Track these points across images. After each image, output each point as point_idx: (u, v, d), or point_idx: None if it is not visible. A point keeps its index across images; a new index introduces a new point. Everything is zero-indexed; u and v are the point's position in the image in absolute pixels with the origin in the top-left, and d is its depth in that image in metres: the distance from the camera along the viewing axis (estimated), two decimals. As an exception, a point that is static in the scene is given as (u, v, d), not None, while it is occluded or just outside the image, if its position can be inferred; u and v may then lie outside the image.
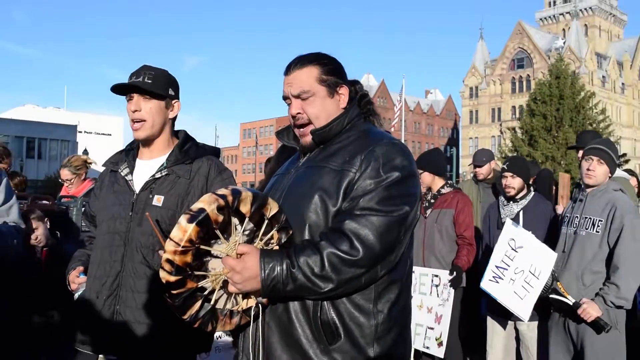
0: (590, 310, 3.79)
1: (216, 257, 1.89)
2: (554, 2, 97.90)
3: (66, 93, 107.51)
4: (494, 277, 4.13)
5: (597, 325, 3.81)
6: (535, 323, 4.54)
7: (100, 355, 2.82)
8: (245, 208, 1.85)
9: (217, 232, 1.83)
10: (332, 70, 2.19)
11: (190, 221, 1.77)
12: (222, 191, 1.84)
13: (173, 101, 2.89)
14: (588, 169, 4.08)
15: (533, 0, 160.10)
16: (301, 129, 2.20)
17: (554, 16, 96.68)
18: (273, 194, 2.14)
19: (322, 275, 1.88)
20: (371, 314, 2.00)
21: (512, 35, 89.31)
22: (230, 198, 1.82)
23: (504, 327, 4.72)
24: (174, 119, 2.94)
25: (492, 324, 4.79)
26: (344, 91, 2.21)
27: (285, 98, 2.22)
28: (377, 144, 2.06)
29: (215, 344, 4.13)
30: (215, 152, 3.05)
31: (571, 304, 3.88)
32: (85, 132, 64.79)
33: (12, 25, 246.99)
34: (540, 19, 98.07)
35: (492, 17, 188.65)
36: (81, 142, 53.08)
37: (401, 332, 2.10)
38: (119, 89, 2.80)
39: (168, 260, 1.79)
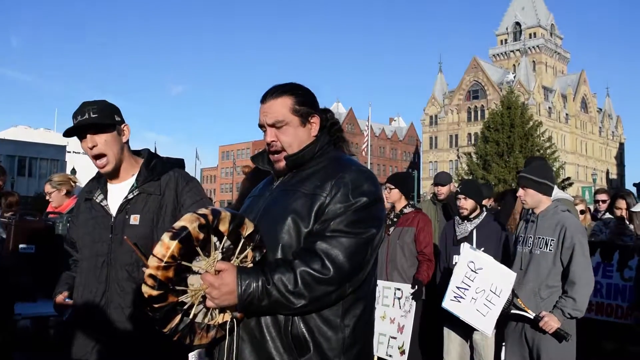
0: (551, 322, 3.83)
1: (195, 273, 1.86)
2: (506, 40, 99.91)
3: (56, 115, 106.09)
4: (455, 297, 4.13)
5: (559, 335, 3.85)
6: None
7: None
8: (224, 227, 1.83)
9: (198, 249, 1.81)
10: (304, 101, 2.17)
11: (172, 238, 1.74)
12: (202, 211, 1.81)
13: (122, 126, 2.80)
14: (519, 197, 4.24)
15: (487, 37, 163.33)
16: (275, 155, 2.18)
17: (505, 53, 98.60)
18: (249, 214, 2.10)
19: (295, 292, 1.86)
20: (338, 328, 1.99)
21: (468, 69, 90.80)
22: (210, 217, 1.79)
23: (459, 335, 4.72)
24: (127, 141, 2.85)
25: (447, 333, 4.78)
26: (315, 120, 2.19)
27: (261, 126, 2.19)
28: (347, 171, 2.05)
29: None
30: (179, 163, 2.97)
31: (532, 317, 3.90)
32: (73, 152, 63.74)
33: (8, 51, 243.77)
34: (493, 55, 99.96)
35: (450, 53, 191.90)
36: (70, 162, 52.31)
37: (365, 345, 2.10)
38: (71, 132, 2.70)
39: (151, 275, 1.76)
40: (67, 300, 2.79)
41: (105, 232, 2.72)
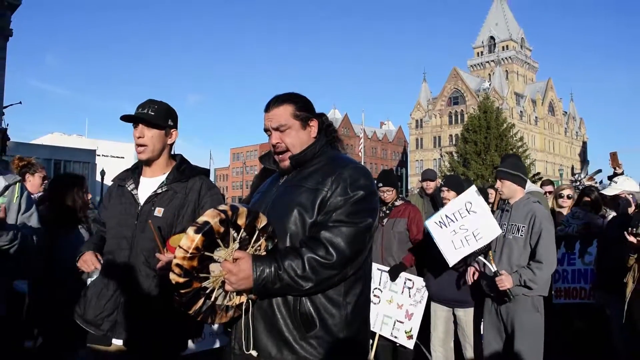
0: (505, 281, 3.83)
1: (216, 261, 1.89)
2: (482, 52, 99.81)
3: (87, 123, 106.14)
4: (440, 222, 4.06)
5: (505, 294, 3.86)
6: (471, 309, 4.54)
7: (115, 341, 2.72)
8: (241, 221, 1.86)
9: (218, 240, 1.84)
10: (303, 107, 2.21)
11: (197, 232, 1.77)
12: (222, 207, 1.85)
13: (172, 130, 2.86)
14: (496, 188, 4.25)
15: (465, 50, 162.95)
16: (280, 155, 2.21)
17: (481, 63, 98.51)
18: (258, 207, 2.12)
19: (304, 276, 1.90)
20: (341, 305, 2.02)
21: (448, 78, 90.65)
22: (230, 213, 1.83)
23: (444, 312, 4.71)
24: (172, 144, 2.91)
25: (434, 310, 4.77)
26: (314, 123, 2.23)
27: (266, 130, 2.23)
28: (345, 168, 2.08)
29: (205, 330, 4.03)
30: (205, 172, 3.02)
31: (493, 270, 3.90)
32: (102, 155, 63.76)
33: (45, 68, 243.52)
34: (471, 66, 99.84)
35: (433, 64, 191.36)
36: (99, 164, 52.20)
37: (364, 321, 2.14)
38: (126, 119, 2.78)
39: (178, 265, 1.79)
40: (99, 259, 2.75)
41: (132, 218, 2.73)
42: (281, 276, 1.89)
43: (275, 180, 2.30)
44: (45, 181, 5.28)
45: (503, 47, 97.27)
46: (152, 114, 2.74)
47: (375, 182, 5.28)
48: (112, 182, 3.02)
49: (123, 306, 2.65)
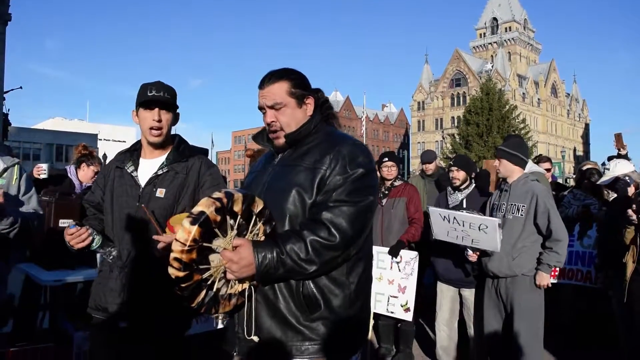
0: (544, 279, 3.93)
1: (215, 251, 1.83)
2: (484, 34, 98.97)
3: (88, 108, 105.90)
4: (445, 217, 4.06)
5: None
6: (474, 290, 4.57)
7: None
8: (237, 207, 1.79)
9: (216, 230, 1.77)
10: (299, 84, 2.11)
11: (193, 223, 1.70)
12: (217, 194, 1.77)
13: (176, 112, 2.85)
14: (497, 167, 4.23)
15: (467, 31, 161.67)
16: (274, 134, 2.13)
17: (484, 45, 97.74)
18: (254, 188, 2.08)
19: (307, 259, 1.84)
20: (345, 285, 1.98)
21: (451, 60, 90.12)
22: (225, 200, 1.76)
23: (451, 291, 4.73)
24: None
25: (440, 289, 4.78)
26: (310, 101, 2.14)
27: (260, 108, 2.14)
28: (343, 145, 2.00)
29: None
30: (204, 151, 3.00)
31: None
32: (104, 139, 63.68)
33: (45, 52, 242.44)
34: (473, 47, 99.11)
35: (435, 46, 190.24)
36: (101, 148, 52.20)
37: (366, 299, 2.11)
38: (146, 102, 2.69)
39: (176, 259, 1.71)
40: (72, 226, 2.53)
41: (133, 200, 2.71)
42: (284, 261, 1.82)
43: (270, 159, 2.20)
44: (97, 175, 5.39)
45: (506, 29, 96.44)
46: (168, 97, 2.71)
47: (380, 157, 5.31)
48: (107, 165, 2.97)
49: (127, 289, 2.65)
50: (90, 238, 2.54)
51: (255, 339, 1.94)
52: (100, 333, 2.75)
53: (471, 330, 4.62)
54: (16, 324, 4.74)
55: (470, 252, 4.12)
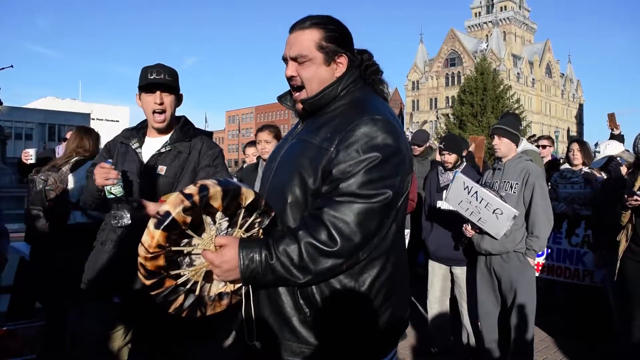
0: (531, 264, 4.04)
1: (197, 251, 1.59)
2: (479, 13, 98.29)
3: (81, 87, 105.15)
4: (469, 187, 3.93)
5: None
6: (466, 267, 4.59)
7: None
8: (216, 203, 1.51)
9: (188, 232, 1.52)
10: (334, 38, 1.73)
11: (157, 227, 1.45)
12: (189, 190, 1.49)
13: (179, 93, 2.86)
14: (494, 145, 4.18)
15: (462, 11, 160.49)
16: (297, 93, 1.79)
17: (479, 24, 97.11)
18: (268, 166, 1.82)
19: (300, 266, 1.52)
20: (352, 290, 1.63)
21: (445, 39, 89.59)
22: (196, 198, 1.47)
23: (442, 270, 4.75)
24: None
25: (432, 267, 4.80)
26: (342, 60, 1.75)
27: (284, 59, 1.78)
28: (362, 119, 1.59)
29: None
30: (208, 134, 3.04)
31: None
32: (97, 119, 63.30)
33: (36, 30, 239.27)
34: (468, 27, 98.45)
35: (430, 25, 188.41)
36: (94, 128, 52.10)
37: (384, 302, 1.67)
38: (149, 86, 2.68)
39: (141, 265, 1.49)
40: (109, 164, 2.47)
41: (134, 176, 2.72)
42: (273, 266, 1.52)
43: (295, 127, 1.88)
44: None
45: (501, 8, 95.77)
46: (170, 79, 2.71)
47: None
48: (113, 139, 2.97)
49: (121, 264, 2.62)
50: (116, 181, 2.43)
51: (257, 344, 1.70)
52: (94, 309, 2.75)
53: (463, 309, 4.66)
54: (12, 303, 4.75)
55: (469, 226, 4.11)
